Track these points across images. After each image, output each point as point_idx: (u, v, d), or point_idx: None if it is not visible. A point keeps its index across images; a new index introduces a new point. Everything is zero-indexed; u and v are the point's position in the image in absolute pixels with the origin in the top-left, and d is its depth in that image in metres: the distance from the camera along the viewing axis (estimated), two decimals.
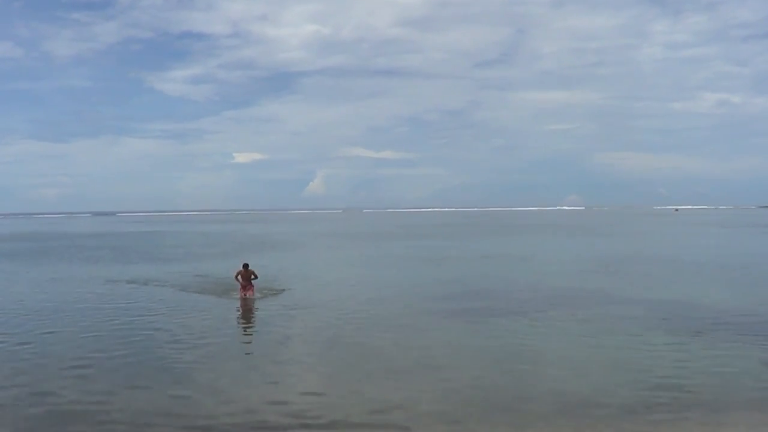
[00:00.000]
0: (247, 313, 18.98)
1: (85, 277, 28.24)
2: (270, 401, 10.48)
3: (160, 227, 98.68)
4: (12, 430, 9.32)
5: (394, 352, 13.86)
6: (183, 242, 57.28)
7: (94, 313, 18.96)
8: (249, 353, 14.42)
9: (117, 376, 12.09)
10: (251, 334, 16.20)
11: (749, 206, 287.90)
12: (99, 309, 19.65)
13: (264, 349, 14.45)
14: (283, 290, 22.74)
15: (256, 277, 21.24)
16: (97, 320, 17.74)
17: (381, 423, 9.38)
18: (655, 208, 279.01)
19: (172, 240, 61.41)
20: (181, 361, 13.10)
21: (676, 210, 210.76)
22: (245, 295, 20.84)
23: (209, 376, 12.08)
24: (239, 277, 21.16)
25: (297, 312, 18.57)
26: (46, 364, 12.95)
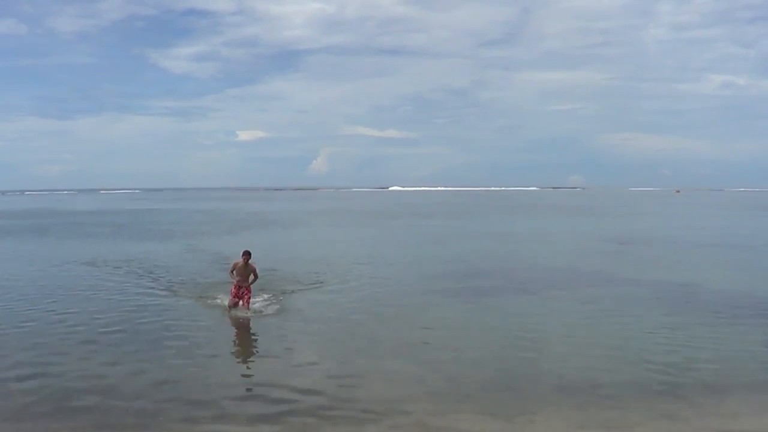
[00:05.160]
0: (240, 327, 14.39)
1: (90, 257, 28.15)
2: (266, 378, 10.42)
3: (163, 205, 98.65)
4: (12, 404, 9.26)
5: (395, 330, 13.80)
6: (183, 220, 57.22)
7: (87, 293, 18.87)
8: (246, 330, 14.33)
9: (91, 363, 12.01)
10: (248, 312, 16.01)
11: (754, 188, 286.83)
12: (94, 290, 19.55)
13: (261, 325, 14.32)
14: (282, 269, 22.60)
15: (255, 278, 15.46)
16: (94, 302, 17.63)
17: (382, 402, 9.29)
18: (657, 189, 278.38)
19: (172, 217, 61.33)
20: (176, 342, 13.02)
21: (678, 192, 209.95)
22: (237, 303, 15.26)
23: (205, 355, 12.00)
24: (235, 271, 15.33)
25: (295, 290, 18.44)
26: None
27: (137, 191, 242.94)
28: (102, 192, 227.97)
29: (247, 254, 15.29)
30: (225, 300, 15.74)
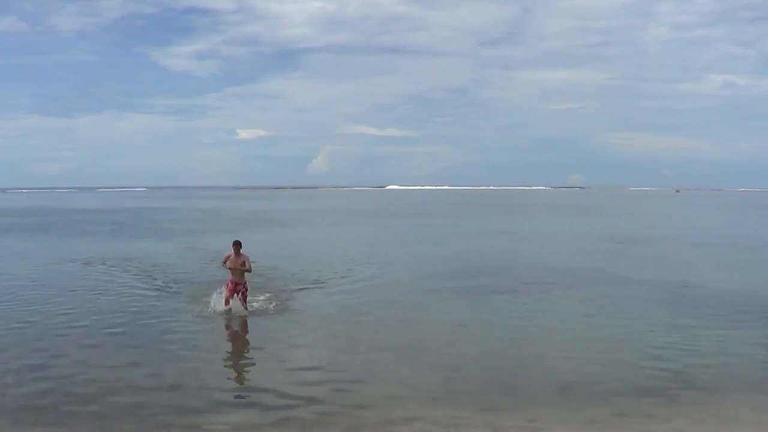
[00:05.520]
0: (239, 328, 14.04)
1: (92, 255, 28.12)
2: (265, 380, 10.39)
3: (163, 203, 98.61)
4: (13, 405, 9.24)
5: (394, 330, 13.78)
6: (183, 218, 57.16)
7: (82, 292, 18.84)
8: (245, 331, 14.25)
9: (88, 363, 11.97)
10: (246, 311, 15.97)
11: (754, 188, 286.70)
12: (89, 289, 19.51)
13: (260, 326, 14.22)
14: (282, 268, 22.57)
15: (249, 270, 14.96)
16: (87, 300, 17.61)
17: (381, 404, 9.26)
18: (657, 189, 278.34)
19: (172, 216, 61.26)
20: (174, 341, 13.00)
21: (677, 191, 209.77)
22: (232, 297, 14.77)
23: (203, 357, 11.99)
24: (227, 262, 14.91)
25: (295, 289, 18.38)
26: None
27: (138, 189, 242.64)
28: (99, 190, 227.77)
29: (237, 244, 14.84)
30: (221, 302, 14.93)
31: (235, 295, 14.79)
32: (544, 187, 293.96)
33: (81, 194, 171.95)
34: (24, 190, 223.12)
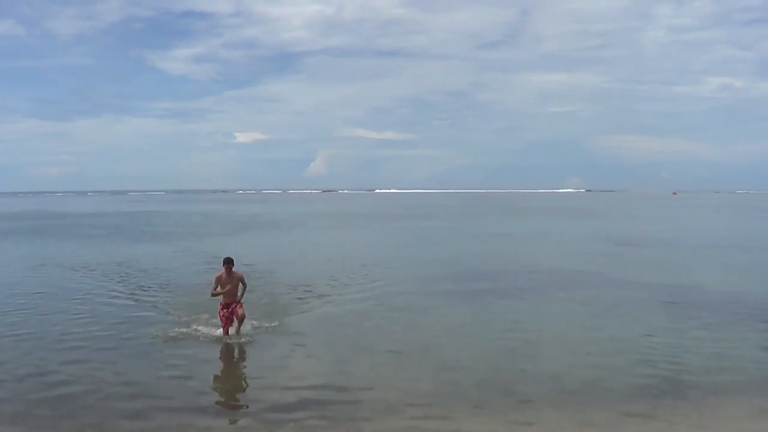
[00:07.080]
0: (234, 333, 12.92)
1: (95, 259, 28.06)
2: (261, 383, 10.39)
3: (161, 207, 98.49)
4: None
5: (392, 333, 13.75)
6: (181, 222, 57.11)
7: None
8: (242, 335, 14.17)
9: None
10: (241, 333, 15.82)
11: (753, 191, 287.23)
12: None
13: (257, 329, 14.14)
14: (279, 271, 22.53)
15: (244, 288, 13.04)
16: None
17: (378, 405, 9.24)
18: (654, 191, 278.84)
19: (170, 219, 61.18)
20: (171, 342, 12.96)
21: (675, 194, 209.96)
22: (229, 328, 12.94)
23: (201, 360, 11.97)
24: (219, 287, 12.76)
25: (292, 293, 18.36)
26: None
27: (134, 193, 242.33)
28: (89, 194, 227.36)
29: (229, 262, 12.82)
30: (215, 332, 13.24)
31: (233, 318, 12.98)
32: (539, 190, 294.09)
33: (79, 198, 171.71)
34: (20, 194, 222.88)
